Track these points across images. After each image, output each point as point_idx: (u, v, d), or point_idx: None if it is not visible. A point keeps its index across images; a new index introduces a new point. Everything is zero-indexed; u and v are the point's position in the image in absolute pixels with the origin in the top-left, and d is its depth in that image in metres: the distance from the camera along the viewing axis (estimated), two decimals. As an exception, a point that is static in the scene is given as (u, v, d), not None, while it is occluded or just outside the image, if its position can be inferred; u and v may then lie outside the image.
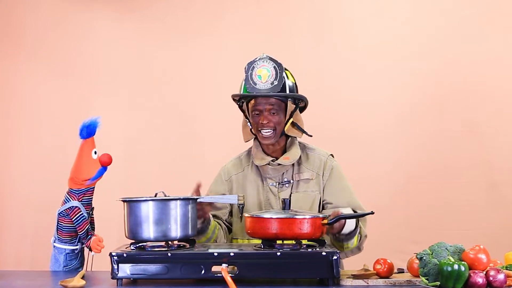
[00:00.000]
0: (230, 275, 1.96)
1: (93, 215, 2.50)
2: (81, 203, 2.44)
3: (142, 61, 4.22)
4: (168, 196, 2.21)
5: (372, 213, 2.35)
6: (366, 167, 3.96)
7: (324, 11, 4.19)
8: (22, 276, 2.48)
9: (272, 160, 2.64)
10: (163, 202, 2.17)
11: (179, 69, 4.20)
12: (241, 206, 2.37)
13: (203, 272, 2.05)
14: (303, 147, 2.72)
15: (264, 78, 2.55)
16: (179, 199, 2.18)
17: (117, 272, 2.07)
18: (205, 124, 4.15)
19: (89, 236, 2.45)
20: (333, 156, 2.73)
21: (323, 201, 2.65)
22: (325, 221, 2.18)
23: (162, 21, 4.22)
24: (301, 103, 2.66)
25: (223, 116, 4.11)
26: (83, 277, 2.21)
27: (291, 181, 2.64)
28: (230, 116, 4.10)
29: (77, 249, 2.48)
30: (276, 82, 2.54)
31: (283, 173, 2.65)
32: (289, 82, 2.60)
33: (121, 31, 4.24)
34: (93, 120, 2.44)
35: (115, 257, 2.07)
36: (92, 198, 2.48)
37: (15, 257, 4.10)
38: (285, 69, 2.60)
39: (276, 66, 2.55)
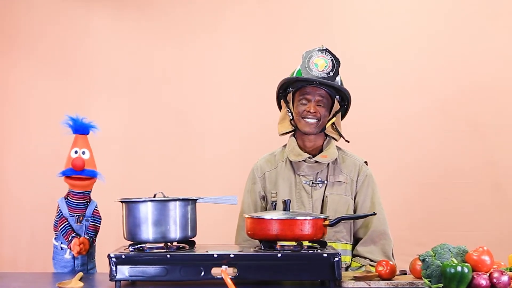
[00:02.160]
0: (230, 277, 1.94)
1: (93, 221, 2.49)
2: (69, 205, 2.43)
3: (141, 60, 4.19)
4: (167, 196, 2.19)
5: (374, 214, 2.35)
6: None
7: (325, 10, 4.17)
8: (20, 278, 2.45)
9: (308, 157, 2.61)
10: (162, 203, 2.14)
11: (179, 69, 4.17)
12: (274, 203, 2.34)
13: (202, 274, 2.03)
14: (339, 149, 2.69)
15: (320, 67, 2.55)
16: (178, 200, 2.16)
17: (115, 274, 2.04)
18: (204, 124, 4.13)
19: (71, 238, 2.43)
20: (366, 164, 2.70)
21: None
22: (327, 222, 2.16)
23: (162, 20, 4.20)
24: (345, 105, 2.64)
25: (223, 116, 4.11)
26: (81, 279, 2.19)
27: (325, 182, 2.61)
28: (230, 116, 4.12)
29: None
30: (331, 74, 2.54)
31: (318, 172, 2.62)
32: (339, 80, 2.59)
33: (120, 30, 4.21)
34: (86, 120, 2.47)
35: (113, 259, 2.05)
36: (82, 204, 2.46)
37: (11, 258, 4.07)
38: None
39: (334, 60, 2.56)
